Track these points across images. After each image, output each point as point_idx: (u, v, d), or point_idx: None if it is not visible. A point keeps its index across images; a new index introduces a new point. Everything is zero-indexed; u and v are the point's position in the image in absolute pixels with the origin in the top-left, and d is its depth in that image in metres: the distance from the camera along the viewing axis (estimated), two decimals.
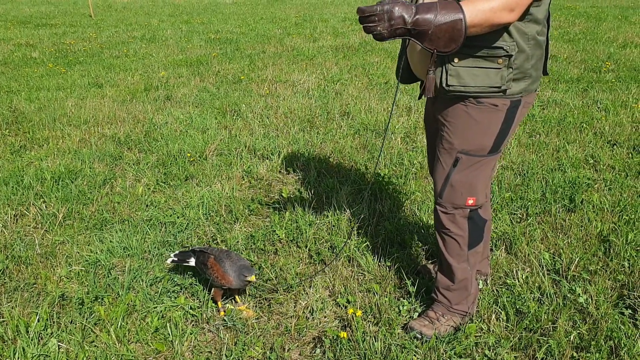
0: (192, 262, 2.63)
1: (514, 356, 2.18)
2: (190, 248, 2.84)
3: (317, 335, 2.36)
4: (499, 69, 1.88)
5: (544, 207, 3.34)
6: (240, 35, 10.83)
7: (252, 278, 2.39)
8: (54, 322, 2.42)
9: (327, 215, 3.29)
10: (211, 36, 10.82)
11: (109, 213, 3.43)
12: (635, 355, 2.10)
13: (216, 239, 3.12)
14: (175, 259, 2.66)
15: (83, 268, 2.84)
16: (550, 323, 2.31)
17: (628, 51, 8.25)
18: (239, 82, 6.87)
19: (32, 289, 2.70)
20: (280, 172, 4.05)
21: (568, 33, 10.07)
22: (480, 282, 2.59)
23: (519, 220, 3.25)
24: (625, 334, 2.23)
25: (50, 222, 3.31)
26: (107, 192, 3.73)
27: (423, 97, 2.40)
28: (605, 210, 3.29)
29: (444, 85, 1.93)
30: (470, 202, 2.11)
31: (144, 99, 6.22)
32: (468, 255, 2.21)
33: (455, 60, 1.89)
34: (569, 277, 2.65)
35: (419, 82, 2.33)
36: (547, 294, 2.51)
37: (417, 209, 3.36)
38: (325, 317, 2.47)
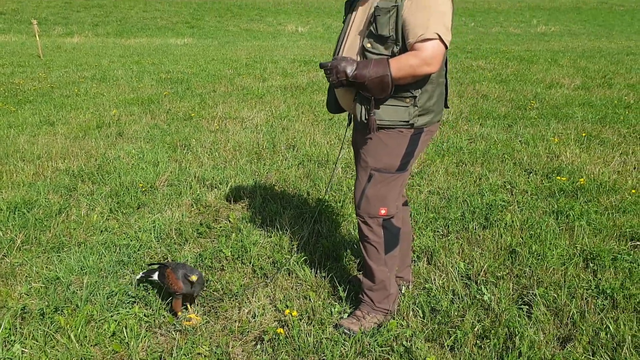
0: (155, 276, 2.91)
1: (427, 346, 2.54)
2: (158, 265, 3.03)
3: (258, 334, 2.67)
4: (407, 107, 2.35)
5: (463, 225, 3.77)
6: (192, 75, 11.17)
7: (194, 277, 2.67)
8: (17, 331, 2.64)
9: (271, 236, 3.62)
10: (162, 76, 11.12)
11: (65, 237, 3.67)
12: (525, 339, 2.50)
13: (167, 259, 3.40)
14: (142, 274, 2.99)
15: (43, 285, 3.07)
16: (459, 318, 2.70)
17: (553, 91, 9.01)
18: (189, 119, 7.19)
19: None
20: (227, 199, 4.37)
21: (500, 75, 10.85)
22: (403, 287, 2.96)
23: (440, 236, 3.66)
24: (519, 323, 2.63)
25: (8, 247, 3.52)
26: (63, 219, 3.96)
27: (351, 125, 2.81)
28: (515, 227, 3.74)
29: (363, 119, 2.37)
30: (383, 212, 2.52)
31: (96, 135, 6.45)
32: (385, 259, 2.60)
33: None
34: (478, 282, 3.06)
35: (347, 113, 2.75)
36: (458, 295, 2.90)
37: (353, 228, 3.74)
38: (265, 320, 2.78)
